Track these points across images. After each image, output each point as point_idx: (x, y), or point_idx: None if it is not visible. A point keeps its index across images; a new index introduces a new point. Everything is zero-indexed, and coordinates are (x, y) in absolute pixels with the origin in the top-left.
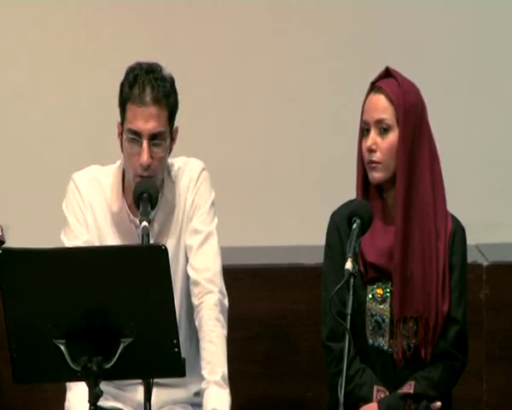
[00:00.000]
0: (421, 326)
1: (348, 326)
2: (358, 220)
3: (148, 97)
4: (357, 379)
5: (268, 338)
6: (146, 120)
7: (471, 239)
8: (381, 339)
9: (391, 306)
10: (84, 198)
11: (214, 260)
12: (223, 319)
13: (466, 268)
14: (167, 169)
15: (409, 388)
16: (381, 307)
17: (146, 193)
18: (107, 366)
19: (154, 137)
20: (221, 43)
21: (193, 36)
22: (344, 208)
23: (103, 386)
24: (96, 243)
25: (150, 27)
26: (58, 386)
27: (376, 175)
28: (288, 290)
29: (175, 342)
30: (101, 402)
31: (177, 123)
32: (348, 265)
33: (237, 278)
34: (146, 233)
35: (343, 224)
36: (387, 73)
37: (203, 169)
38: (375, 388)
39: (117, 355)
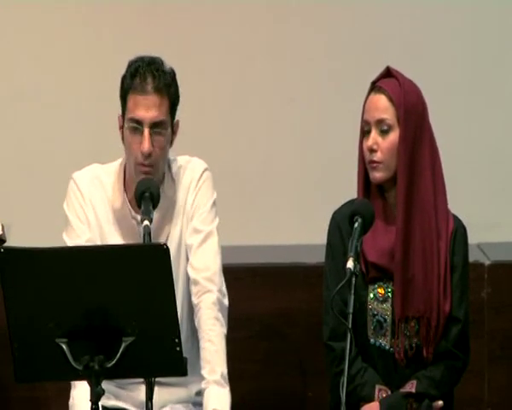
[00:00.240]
0: (423, 326)
1: (350, 326)
2: (360, 219)
3: (149, 86)
4: (359, 379)
5: (269, 338)
6: (147, 108)
7: (472, 238)
8: (382, 339)
9: (392, 305)
10: (85, 197)
11: (214, 260)
12: (222, 318)
13: (467, 267)
14: (168, 165)
15: (410, 387)
16: (383, 306)
17: (148, 192)
18: (109, 365)
19: (155, 126)
20: (221, 43)
21: (193, 36)
22: (345, 208)
23: (105, 385)
24: (98, 242)
25: (150, 27)
26: (60, 385)
27: (377, 175)
28: (289, 290)
29: (177, 341)
30: (103, 401)
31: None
32: (350, 264)
33: (238, 277)
34: (148, 232)
35: (344, 223)
36: (388, 73)
37: (205, 169)
38: (377, 387)
39: (119, 354)
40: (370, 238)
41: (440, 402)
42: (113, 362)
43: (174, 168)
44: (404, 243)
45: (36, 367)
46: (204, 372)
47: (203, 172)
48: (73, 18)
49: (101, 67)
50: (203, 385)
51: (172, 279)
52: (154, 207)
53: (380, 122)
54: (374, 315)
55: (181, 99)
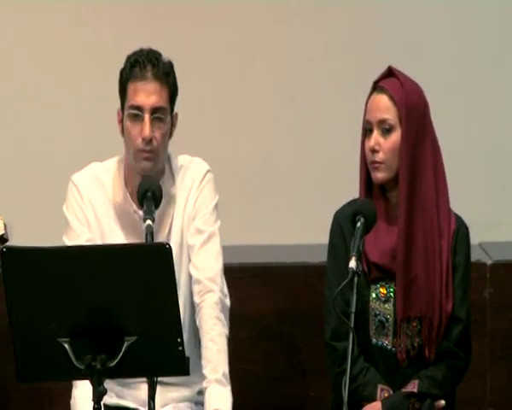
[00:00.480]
0: (425, 326)
1: (352, 325)
2: (362, 219)
3: (149, 73)
4: (361, 378)
5: (270, 338)
6: (148, 94)
7: (474, 238)
8: (384, 339)
9: (394, 305)
10: (84, 197)
11: (216, 260)
12: (223, 318)
13: (469, 267)
14: (168, 160)
15: (412, 387)
16: (385, 306)
17: (150, 191)
18: (111, 364)
19: (155, 111)
20: (221, 43)
21: (193, 36)
22: (347, 207)
23: (107, 384)
24: (99, 242)
25: (150, 27)
26: (62, 384)
27: (379, 175)
28: (291, 289)
29: (179, 340)
30: (105, 400)
31: (178, 122)
32: (352, 263)
33: (239, 276)
34: (150, 232)
35: (346, 223)
36: (390, 73)
37: (208, 171)
38: (379, 387)
39: (121, 354)
40: (372, 238)
41: (442, 402)
42: (116, 362)
43: (174, 165)
44: (406, 243)
45: (38, 367)
46: (205, 371)
47: (206, 173)
48: (73, 18)
49: (101, 67)
50: (204, 384)
51: (175, 279)
52: (157, 206)
53: (381, 122)
54: (376, 315)
55: (181, 99)
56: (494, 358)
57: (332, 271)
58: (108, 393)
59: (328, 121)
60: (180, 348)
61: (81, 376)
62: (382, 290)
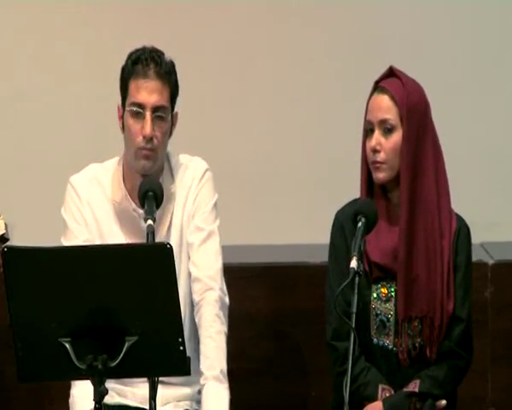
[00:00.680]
0: (426, 326)
1: (353, 325)
2: (363, 219)
3: (151, 71)
4: (362, 378)
5: (271, 337)
6: (149, 92)
7: (476, 238)
8: (385, 338)
9: (395, 305)
10: (81, 198)
11: (216, 259)
12: (223, 316)
13: (471, 267)
14: (167, 159)
15: (414, 386)
16: (386, 306)
17: (151, 191)
18: (113, 364)
19: (156, 110)
20: (221, 43)
21: (193, 36)
22: (348, 207)
23: (107, 383)
24: (97, 242)
25: (150, 27)
26: (62, 384)
27: (381, 175)
28: (292, 289)
29: (180, 340)
30: (106, 400)
31: (178, 121)
32: (353, 263)
33: (241, 276)
34: (151, 232)
35: (348, 222)
36: (391, 73)
37: (207, 169)
38: (380, 387)
39: (122, 354)
40: (374, 238)
41: (443, 402)
42: (117, 362)
43: (173, 163)
44: (408, 243)
45: (39, 367)
46: (203, 368)
47: (205, 172)
48: (73, 18)
49: (101, 67)
50: (202, 381)
51: (176, 279)
52: (158, 206)
53: (383, 122)
54: (377, 315)
55: (181, 99)
56: (495, 358)
57: (333, 271)
58: (109, 392)
59: (328, 121)
60: (181, 348)
61: (82, 376)
62: (383, 290)
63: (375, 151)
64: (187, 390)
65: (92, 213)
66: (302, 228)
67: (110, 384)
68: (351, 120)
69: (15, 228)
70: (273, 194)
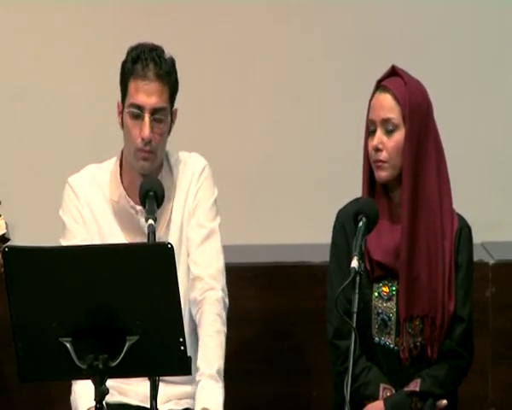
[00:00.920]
0: (428, 325)
1: (354, 325)
2: (364, 218)
3: (151, 72)
4: (363, 377)
5: (272, 337)
6: (149, 94)
7: (476, 238)
8: (387, 337)
9: (397, 304)
10: (80, 198)
11: (217, 258)
12: (224, 316)
13: (472, 267)
14: (166, 156)
15: (415, 386)
16: (387, 305)
17: (152, 191)
18: (113, 364)
19: (155, 112)
20: (221, 43)
21: (193, 36)
22: (350, 207)
23: (108, 381)
24: (97, 241)
25: (150, 27)
26: (63, 384)
27: (383, 174)
28: (293, 289)
29: (181, 340)
30: (107, 399)
31: (178, 122)
32: (354, 263)
33: (242, 276)
34: (152, 231)
35: (349, 222)
36: (393, 72)
37: (206, 165)
38: (381, 386)
39: (123, 354)
40: (375, 237)
41: (444, 401)
42: (118, 361)
43: (172, 160)
44: (410, 243)
45: (39, 366)
46: (200, 364)
47: (204, 168)
48: (73, 18)
49: (101, 67)
50: (197, 378)
51: (177, 278)
52: (159, 206)
53: (385, 121)
54: (378, 314)
55: (181, 99)
56: (496, 357)
57: (334, 270)
58: (110, 391)
59: (328, 121)
60: (182, 348)
61: (83, 376)
62: (385, 289)
63: (378, 150)
64: (188, 388)
65: (92, 214)
66: (302, 228)
67: (111, 383)
68: (351, 120)
69: (15, 228)
70: (273, 194)
